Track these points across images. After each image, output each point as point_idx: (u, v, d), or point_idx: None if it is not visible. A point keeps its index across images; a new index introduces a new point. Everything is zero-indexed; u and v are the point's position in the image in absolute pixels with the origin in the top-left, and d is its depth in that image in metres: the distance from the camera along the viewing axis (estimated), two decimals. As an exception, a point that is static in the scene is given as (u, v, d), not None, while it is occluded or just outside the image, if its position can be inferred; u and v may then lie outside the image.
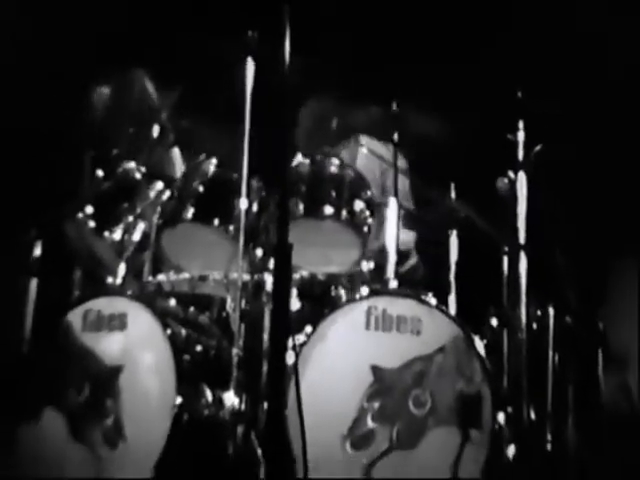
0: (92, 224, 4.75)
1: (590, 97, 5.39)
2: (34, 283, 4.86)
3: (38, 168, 5.40)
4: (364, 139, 5.30)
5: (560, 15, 5.41)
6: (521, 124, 4.57)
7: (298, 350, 4.19)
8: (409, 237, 5.32)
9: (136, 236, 4.76)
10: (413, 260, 5.41)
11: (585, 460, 4.61)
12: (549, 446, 4.64)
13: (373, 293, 4.42)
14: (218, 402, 4.28)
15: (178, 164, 5.18)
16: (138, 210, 4.79)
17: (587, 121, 5.41)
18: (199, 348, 4.50)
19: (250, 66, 4.55)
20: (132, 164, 4.89)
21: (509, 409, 4.33)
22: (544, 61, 5.32)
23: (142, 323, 4.36)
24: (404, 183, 5.20)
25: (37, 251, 4.88)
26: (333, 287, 4.67)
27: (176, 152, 5.19)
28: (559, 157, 4.69)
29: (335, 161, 4.67)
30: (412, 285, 4.79)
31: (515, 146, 4.57)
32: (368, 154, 5.22)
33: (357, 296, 4.41)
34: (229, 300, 4.55)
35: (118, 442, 4.20)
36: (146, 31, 5.53)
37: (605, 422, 4.93)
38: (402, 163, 5.04)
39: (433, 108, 4.79)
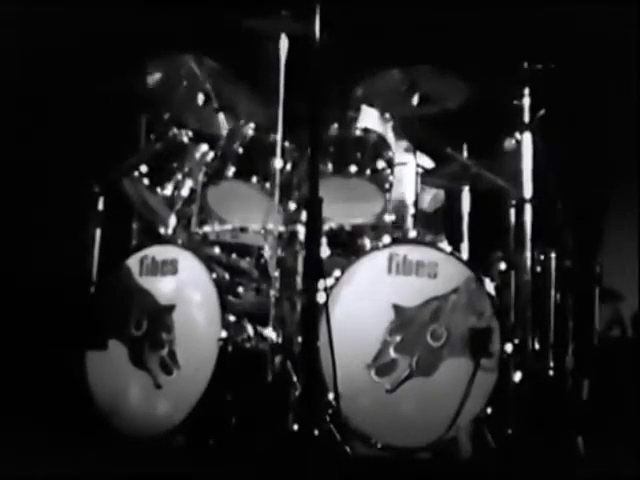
0: (146, 181, 5.05)
1: (587, 63, 5.57)
2: (98, 233, 5.21)
3: (101, 134, 5.66)
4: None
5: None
6: (527, 91, 4.80)
7: (328, 291, 4.51)
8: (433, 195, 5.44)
9: (184, 192, 5.06)
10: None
11: (582, 383, 4.86)
12: (551, 372, 4.88)
13: (394, 241, 4.70)
14: (258, 336, 4.62)
15: (223, 127, 5.30)
16: (186, 169, 5.09)
17: (585, 87, 5.60)
18: (241, 289, 4.83)
19: (284, 42, 4.86)
20: (181, 129, 5.17)
21: (516, 340, 4.61)
22: (547, 35, 5.48)
23: (191, 268, 4.69)
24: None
25: (100, 205, 5.23)
26: (359, 236, 4.92)
27: (221, 117, 5.33)
28: (560, 120, 4.91)
29: (360, 125, 4.93)
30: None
31: (521, 110, 4.80)
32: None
33: (380, 244, 4.70)
34: (267, 248, 4.82)
35: (173, 369, 4.56)
36: (195, 13, 5.76)
37: (599, 350, 5.14)
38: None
39: (450, 79, 5.03)
